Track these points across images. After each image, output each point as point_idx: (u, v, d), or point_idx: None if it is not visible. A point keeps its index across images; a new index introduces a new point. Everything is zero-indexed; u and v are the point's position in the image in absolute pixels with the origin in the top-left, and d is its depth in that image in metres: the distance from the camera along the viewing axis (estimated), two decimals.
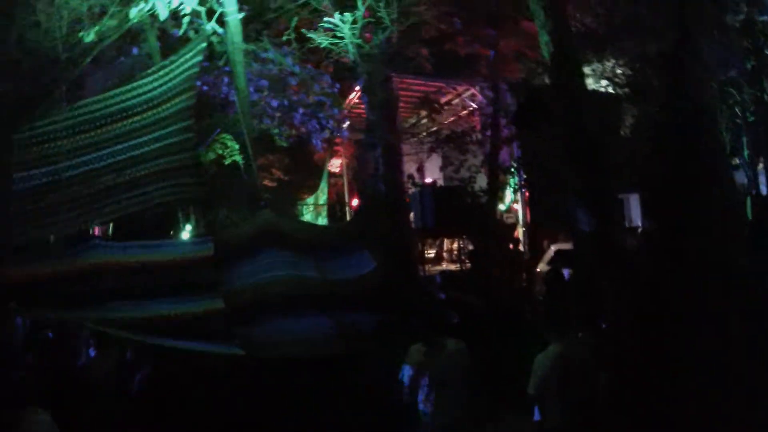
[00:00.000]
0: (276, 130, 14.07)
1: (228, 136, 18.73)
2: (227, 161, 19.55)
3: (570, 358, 4.92)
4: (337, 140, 16.52)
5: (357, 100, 17.73)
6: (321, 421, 5.49)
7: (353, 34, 9.49)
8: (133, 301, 5.18)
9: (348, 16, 9.53)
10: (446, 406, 5.21)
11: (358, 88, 15.64)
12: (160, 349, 5.41)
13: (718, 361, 2.44)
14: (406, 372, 5.38)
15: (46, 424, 4.17)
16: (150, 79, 5.83)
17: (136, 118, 5.70)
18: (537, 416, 5.17)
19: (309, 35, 10.72)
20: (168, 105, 5.90)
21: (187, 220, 13.73)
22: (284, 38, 11.33)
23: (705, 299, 2.48)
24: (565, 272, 9.88)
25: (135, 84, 5.72)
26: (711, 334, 2.46)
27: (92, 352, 6.47)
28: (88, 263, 5.12)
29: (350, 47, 9.55)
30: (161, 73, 5.80)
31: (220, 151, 18.78)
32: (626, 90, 13.40)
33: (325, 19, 10.07)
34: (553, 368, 4.91)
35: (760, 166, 17.56)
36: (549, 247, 14.00)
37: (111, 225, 11.57)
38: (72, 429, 4.43)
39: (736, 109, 16.88)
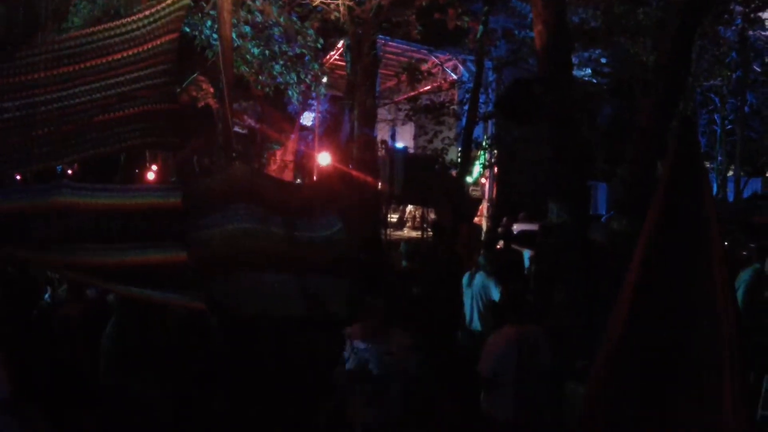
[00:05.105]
0: (253, 77, 13.77)
1: (204, 79, 18.35)
2: (200, 103, 19.20)
3: (526, 341, 4.64)
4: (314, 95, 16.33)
5: (337, 57, 17.51)
6: (281, 381, 5.48)
7: None
8: (99, 246, 5.07)
9: None
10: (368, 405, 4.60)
11: (339, 46, 15.42)
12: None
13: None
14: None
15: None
16: (135, 18, 5.62)
17: (116, 57, 5.50)
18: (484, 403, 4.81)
19: None
20: (150, 46, 5.70)
21: (154, 161, 13.48)
22: None
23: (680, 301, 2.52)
24: (526, 254, 9.96)
25: (120, 23, 5.51)
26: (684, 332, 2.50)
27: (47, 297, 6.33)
28: (55, 203, 4.97)
29: (341, 7, 9.39)
30: (147, 13, 5.59)
31: (195, 93, 18.41)
32: (608, 81, 13.55)
33: None
34: (509, 350, 4.62)
35: (730, 172, 18.04)
36: (510, 226, 14.15)
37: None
38: (30, 374, 4.36)
39: (715, 116, 17.29)
